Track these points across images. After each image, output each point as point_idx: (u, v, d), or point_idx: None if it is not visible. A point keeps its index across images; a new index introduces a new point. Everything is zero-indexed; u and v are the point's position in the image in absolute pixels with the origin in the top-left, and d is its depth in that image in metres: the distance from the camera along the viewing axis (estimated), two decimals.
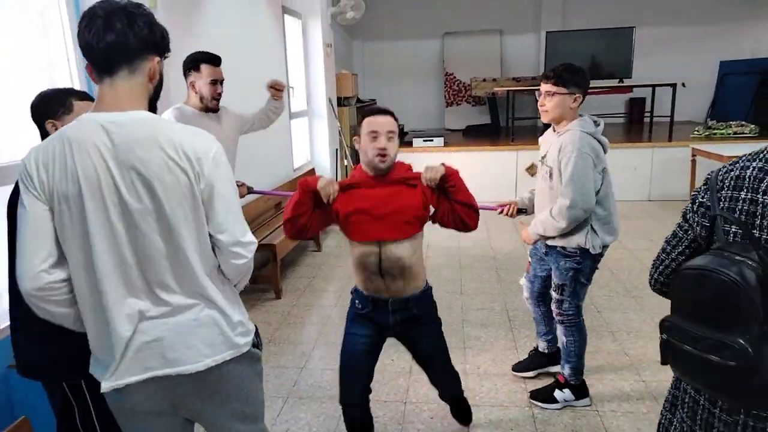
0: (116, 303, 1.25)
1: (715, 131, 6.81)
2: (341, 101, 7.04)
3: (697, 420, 1.17)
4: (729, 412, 1.11)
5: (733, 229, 1.10)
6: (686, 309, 1.10)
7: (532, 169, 6.72)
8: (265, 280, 4.13)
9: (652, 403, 2.61)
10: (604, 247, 2.39)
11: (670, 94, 6.70)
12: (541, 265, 2.64)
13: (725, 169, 1.15)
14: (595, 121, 2.37)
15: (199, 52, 2.76)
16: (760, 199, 1.06)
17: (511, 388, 2.79)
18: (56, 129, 1.63)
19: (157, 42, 1.28)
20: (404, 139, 7.76)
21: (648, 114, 7.60)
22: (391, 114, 1.93)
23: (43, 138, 1.66)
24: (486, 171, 6.75)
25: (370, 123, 1.90)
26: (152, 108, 1.31)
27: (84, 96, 1.72)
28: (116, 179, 1.21)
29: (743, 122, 6.90)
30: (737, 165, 1.14)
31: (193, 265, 1.29)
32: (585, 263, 2.40)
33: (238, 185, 2.92)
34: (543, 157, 2.45)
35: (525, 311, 3.67)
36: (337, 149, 6.74)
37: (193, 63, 2.74)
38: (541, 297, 2.71)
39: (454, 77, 9.25)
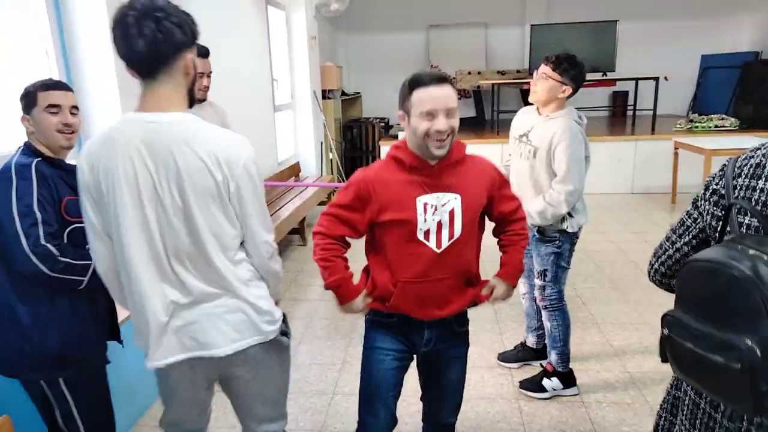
0: (151, 290, 1.37)
1: (697, 124, 6.90)
2: (326, 94, 7.00)
3: (697, 424, 1.10)
4: (731, 417, 1.03)
5: (748, 221, 1.00)
6: (691, 304, 1.01)
7: None
8: None
9: (636, 393, 2.64)
10: (579, 228, 2.47)
11: (652, 88, 6.77)
12: (529, 255, 2.65)
13: (744, 156, 1.06)
14: (579, 116, 2.40)
15: None
16: None
17: (498, 380, 2.80)
18: (29, 123, 1.67)
19: (187, 38, 1.34)
20: (390, 132, 7.76)
21: (631, 107, 7.67)
22: (450, 83, 1.52)
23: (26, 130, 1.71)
24: None
25: (422, 98, 1.48)
26: (191, 97, 1.43)
27: (47, 86, 1.68)
28: (153, 176, 1.30)
29: (724, 115, 6.99)
30: (758, 152, 1.04)
31: (216, 261, 1.38)
32: (564, 246, 2.47)
33: None
34: (523, 135, 2.46)
35: (510, 304, 3.69)
36: (321, 142, 6.69)
37: None
38: None
39: (439, 70, 9.23)
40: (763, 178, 0.99)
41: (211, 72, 2.78)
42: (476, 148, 6.88)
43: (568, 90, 2.35)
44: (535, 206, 2.39)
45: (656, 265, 1.26)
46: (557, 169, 2.33)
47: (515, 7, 9.17)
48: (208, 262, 1.38)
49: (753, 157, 1.04)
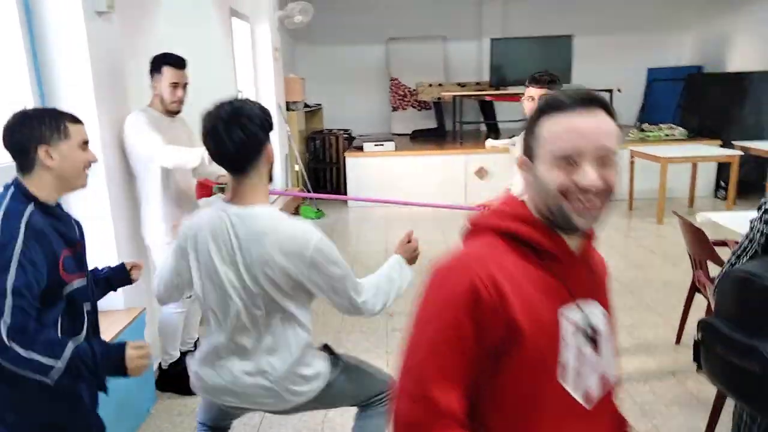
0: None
1: (648, 134, 7.22)
2: (289, 106, 6.93)
3: None
4: (766, 429, 1.05)
5: None
6: (725, 311, 1.06)
7: (480, 173, 6.86)
8: None
9: (624, 395, 2.71)
10: None
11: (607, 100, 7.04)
12: None
13: None
14: None
15: (163, 53, 2.63)
16: None
17: None
18: (50, 157, 1.45)
19: (267, 132, 1.52)
20: (353, 144, 7.74)
21: None
22: (606, 107, 0.94)
23: (23, 164, 1.45)
24: (436, 174, 6.84)
25: (558, 133, 0.92)
26: (270, 176, 1.60)
27: (75, 119, 1.53)
28: (236, 259, 1.52)
29: (672, 125, 7.35)
30: None
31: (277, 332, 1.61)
32: None
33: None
34: None
35: None
36: (287, 155, 6.61)
37: (155, 65, 2.61)
38: None
39: (399, 82, 9.32)
40: None
41: (186, 83, 2.71)
42: (441, 159, 7.01)
43: None
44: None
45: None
46: None
47: (472, 21, 9.38)
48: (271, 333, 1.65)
49: None
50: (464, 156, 6.93)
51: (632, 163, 6.32)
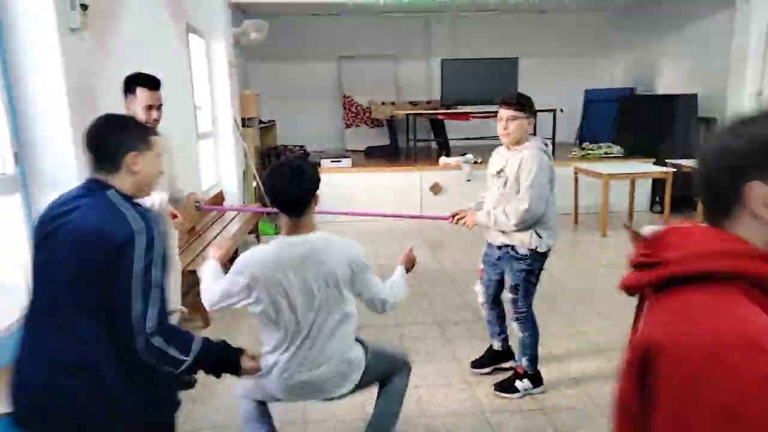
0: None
1: (589, 152, 7.66)
2: (245, 122, 6.91)
3: None
4: None
5: None
6: None
7: (435, 188, 7.06)
8: (190, 308, 3.92)
9: (586, 397, 2.89)
10: (548, 250, 2.74)
11: (548, 119, 7.44)
12: (494, 270, 2.92)
13: None
14: (544, 142, 2.70)
15: (136, 74, 2.61)
16: None
17: (460, 396, 2.93)
18: (136, 163, 1.52)
19: (318, 184, 1.94)
20: (309, 159, 7.78)
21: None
22: None
23: (107, 166, 1.51)
24: (392, 190, 6.98)
25: None
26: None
27: (155, 132, 1.63)
28: (305, 275, 1.93)
29: (611, 144, 7.83)
30: None
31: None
32: (534, 264, 2.74)
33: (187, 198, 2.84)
34: (500, 171, 2.74)
35: (455, 323, 3.87)
36: (244, 171, 6.58)
37: (128, 85, 2.58)
38: (496, 300, 3.01)
39: (353, 100, 9.46)
40: None
41: (161, 104, 2.71)
42: (396, 175, 7.18)
43: (532, 121, 2.69)
44: (493, 210, 2.70)
45: None
46: (520, 190, 2.62)
47: (421, 42, 9.68)
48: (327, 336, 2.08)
49: None
50: (419, 173, 7.11)
51: (576, 179, 6.69)
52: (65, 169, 2.46)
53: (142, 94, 2.58)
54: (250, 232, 5.55)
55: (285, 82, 9.44)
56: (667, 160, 6.69)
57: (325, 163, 7.01)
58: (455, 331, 3.72)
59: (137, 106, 2.58)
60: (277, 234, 6.35)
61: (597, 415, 2.73)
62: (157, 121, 2.67)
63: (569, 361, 3.28)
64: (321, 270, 1.94)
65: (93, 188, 1.51)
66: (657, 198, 7.08)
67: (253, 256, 1.97)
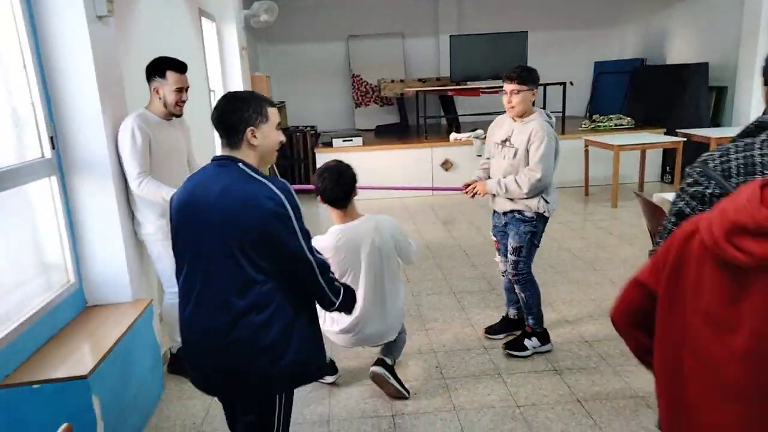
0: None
1: (599, 124, 7.67)
2: None
3: None
4: None
5: None
6: None
7: (446, 164, 7.14)
8: None
9: (598, 359, 3.01)
10: (551, 213, 2.93)
11: (558, 92, 7.46)
12: (505, 238, 3.06)
13: (718, 160, 1.18)
14: (549, 115, 2.79)
15: (165, 57, 2.73)
16: None
17: (478, 360, 3.07)
18: (255, 136, 1.64)
19: (356, 183, 2.53)
20: (321, 140, 7.88)
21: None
22: None
23: (232, 142, 1.66)
24: (404, 167, 7.07)
25: None
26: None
27: (272, 103, 1.73)
28: (374, 247, 2.58)
29: (621, 115, 7.84)
30: (732, 154, 1.17)
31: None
32: (539, 227, 2.93)
33: None
34: (506, 140, 2.88)
35: (470, 292, 4.00)
36: None
37: (158, 69, 2.70)
38: None
39: (362, 79, 9.49)
40: (758, 174, 1.13)
41: (188, 87, 2.82)
42: (407, 152, 7.26)
43: (535, 92, 2.81)
44: (504, 179, 2.84)
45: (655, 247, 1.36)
46: (530, 161, 2.77)
47: (428, 18, 9.65)
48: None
49: (729, 159, 1.17)
50: (429, 149, 7.19)
51: (586, 151, 6.73)
52: (97, 151, 2.59)
53: (172, 77, 2.70)
54: None
55: (294, 63, 9.49)
56: (677, 130, 6.71)
57: (337, 142, 7.11)
58: (470, 300, 3.85)
59: (168, 87, 2.70)
60: None
61: (606, 374, 2.86)
62: (184, 102, 2.79)
63: (581, 325, 3.40)
64: (375, 243, 2.55)
65: (225, 164, 1.66)
66: (668, 168, 7.11)
67: (318, 244, 2.28)
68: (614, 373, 2.88)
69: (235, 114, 1.64)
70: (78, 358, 2.24)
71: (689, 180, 1.24)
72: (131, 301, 2.75)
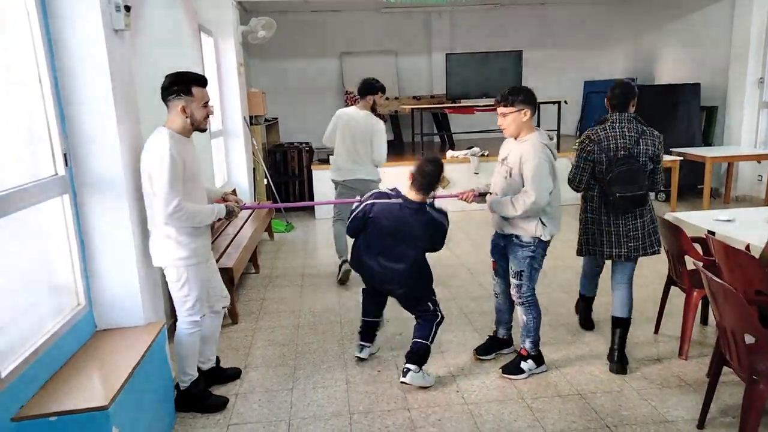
0: None
1: None
2: (252, 120, 6.93)
3: None
4: None
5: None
6: None
7: (442, 182, 7.09)
8: None
9: (601, 364, 2.97)
10: (551, 237, 2.89)
11: (551, 110, 7.52)
12: (505, 259, 3.06)
13: (593, 134, 2.93)
14: (549, 135, 2.86)
15: (185, 73, 2.61)
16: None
17: (498, 384, 3.00)
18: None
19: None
20: (319, 157, 7.80)
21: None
22: None
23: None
24: (400, 184, 7.00)
25: None
26: None
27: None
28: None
29: None
30: (598, 132, 2.90)
31: None
32: (538, 251, 2.90)
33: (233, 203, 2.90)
34: (504, 159, 2.93)
35: (480, 312, 3.93)
36: (253, 168, 6.60)
37: (183, 86, 2.54)
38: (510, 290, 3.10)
39: (355, 95, 9.46)
40: (603, 141, 2.91)
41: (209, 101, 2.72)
42: (404, 169, 7.20)
43: (528, 112, 2.79)
44: (501, 198, 2.86)
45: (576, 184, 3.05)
46: (524, 183, 2.76)
47: (421, 37, 9.72)
48: None
49: (598, 133, 2.94)
50: None
51: None
52: (111, 169, 2.48)
53: (198, 92, 2.57)
54: (265, 230, 5.58)
55: (287, 80, 9.45)
56: (672, 149, 6.79)
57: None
58: (482, 321, 3.79)
59: (195, 104, 2.56)
60: (287, 231, 6.39)
61: (631, 399, 2.81)
62: (210, 115, 2.70)
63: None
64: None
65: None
66: (662, 187, 7.18)
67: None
68: (639, 396, 2.83)
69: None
70: (94, 387, 2.12)
71: (585, 140, 2.97)
72: (143, 324, 2.63)
